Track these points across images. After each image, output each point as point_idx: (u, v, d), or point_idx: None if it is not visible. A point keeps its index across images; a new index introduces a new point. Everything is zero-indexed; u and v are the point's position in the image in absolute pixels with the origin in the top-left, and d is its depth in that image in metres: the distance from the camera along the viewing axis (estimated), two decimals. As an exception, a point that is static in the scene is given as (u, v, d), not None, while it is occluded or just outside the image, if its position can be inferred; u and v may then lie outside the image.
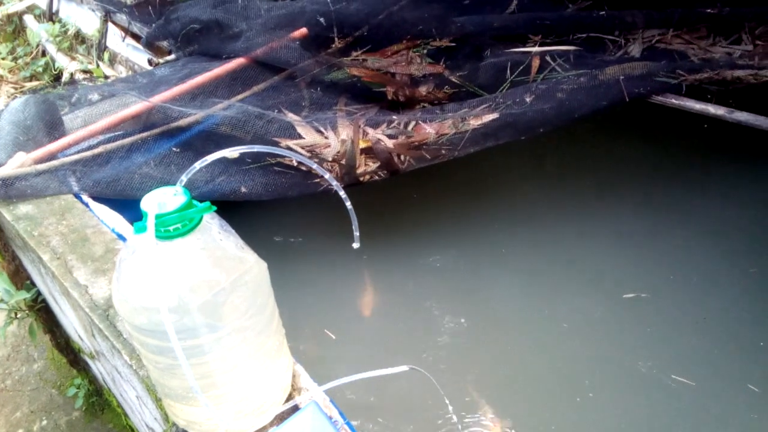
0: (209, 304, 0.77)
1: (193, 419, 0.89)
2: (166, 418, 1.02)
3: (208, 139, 1.75)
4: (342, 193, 0.85)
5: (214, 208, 0.76)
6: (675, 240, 2.01)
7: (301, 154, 1.73)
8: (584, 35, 2.22)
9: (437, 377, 1.14)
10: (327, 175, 0.83)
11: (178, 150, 1.80)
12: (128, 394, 1.33)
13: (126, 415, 1.74)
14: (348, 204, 0.86)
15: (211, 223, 0.80)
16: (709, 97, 1.89)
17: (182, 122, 1.77)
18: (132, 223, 0.76)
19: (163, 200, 0.74)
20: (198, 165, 0.74)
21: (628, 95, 1.76)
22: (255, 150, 0.78)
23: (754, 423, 1.52)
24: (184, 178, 0.75)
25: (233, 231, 0.83)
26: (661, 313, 1.77)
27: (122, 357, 1.08)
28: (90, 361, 1.75)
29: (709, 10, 2.12)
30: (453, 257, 1.99)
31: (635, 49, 2.21)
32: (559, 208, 2.14)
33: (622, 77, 1.79)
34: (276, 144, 1.87)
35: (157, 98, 1.74)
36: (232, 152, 0.76)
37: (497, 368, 1.69)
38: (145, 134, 1.73)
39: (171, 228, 0.73)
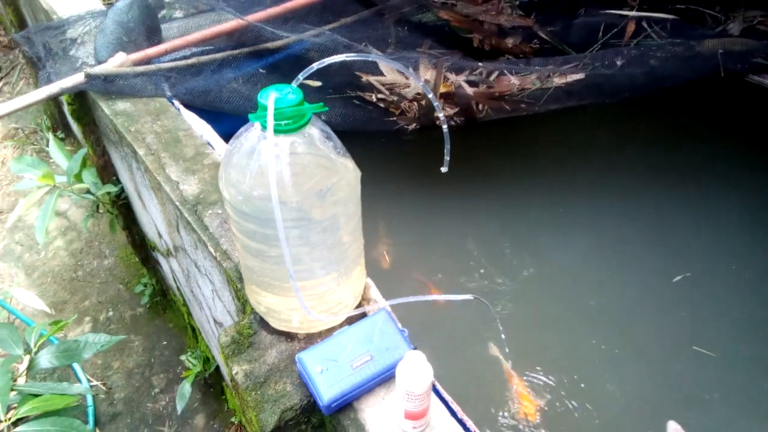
0: (306, 201, 0.82)
1: (273, 307, 0.96)
2: (242, 309, 1.09)
3: (295, 63, 1.80)
4: (441, 115, 0.88)
5: (326, 108, 0.80)
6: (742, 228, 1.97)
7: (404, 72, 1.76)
8: (684, 6, 2.14)
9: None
10: (430, 94, 0.86)
11: (264, 71, 1.85)
12: (202, 289, 1.42)
13: (189, 314, 1.86)
14: (445, 127, 0.89)
15: (317, 128, 0.85)
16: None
17: (272, 44, 1.82)
18: (250, 117, 0.81)
19: (279, 96, 0.78)
20: (316, 66, 0.78)
21: (724, 70, 1.71)
22: (370, 59, 0.81)
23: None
24: (300, 77, 0.79)
25: (336, 138, 0.87)
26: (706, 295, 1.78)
27: (207, 250, 1.16)
28: (163, 259, 1.86)
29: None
30: (518, 209, 2.01)
31: (735, 27, 2.12)
32: (634, 179, 2.11)
33: (720, 51, 1.73)
34: (358, 78, 1.91)
35: (252, 17, 1.79)
36: (349, 57, 0.80)
37: (543, 316, 1.75)
38: (236, 51, 1.78)
39: (283, 123, 0.78)
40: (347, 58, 0.81)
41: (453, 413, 0.92)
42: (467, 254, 1.90)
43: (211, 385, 1.92)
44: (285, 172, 0.80)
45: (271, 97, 0.76)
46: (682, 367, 1.62)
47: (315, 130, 0.85)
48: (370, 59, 0.83)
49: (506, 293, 1.76)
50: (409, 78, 1.90)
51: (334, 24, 1.94)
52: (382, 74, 1.93)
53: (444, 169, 0.95)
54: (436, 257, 1.91)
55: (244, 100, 1.70)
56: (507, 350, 1.54)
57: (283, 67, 1.80)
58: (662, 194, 2.03)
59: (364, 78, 1.91)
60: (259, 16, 1.83)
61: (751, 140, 2.23)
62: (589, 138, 2.22)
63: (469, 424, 0.91)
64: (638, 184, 2.06)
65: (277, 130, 0.79)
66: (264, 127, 0.79)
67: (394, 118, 1.85)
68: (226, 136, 1.18)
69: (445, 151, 0.93)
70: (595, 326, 1.70)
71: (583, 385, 1.57)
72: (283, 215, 0.82)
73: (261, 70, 1.85)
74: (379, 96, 1.88)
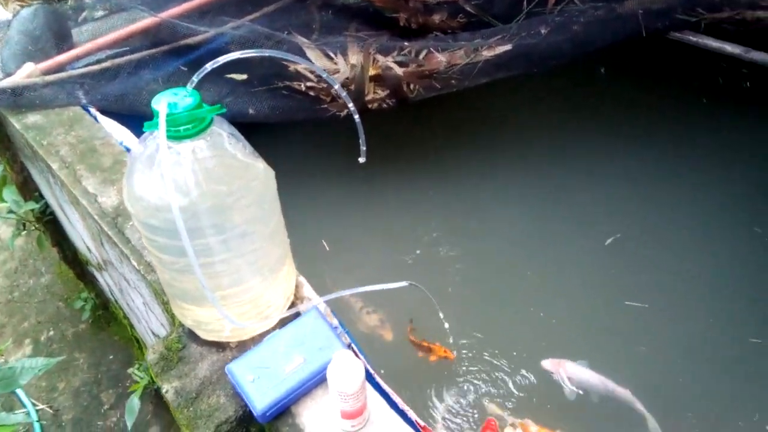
0: (217, 207, 0.78)
1: (200, 319, 0.92)
2: (172, 321, 1.05)
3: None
4: (351, 105, 0.85)
5: (224, 110, 0.77)
6: (677, 184, 2.02)
7: (311, 63, 1.72)
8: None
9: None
10: (336, 86, 0.83)
11: (186, 69, 1.78)
12: (135, 302, 1.37)
13: (132, 326, 1.80)
14: (356, 117, 0.87)
15: (222, 129, 0.81)
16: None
17: (191, 40, 1.74)
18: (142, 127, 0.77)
19: (173, 100, 0.74)
20: (209, 66, 0.74)
21: (645, 30, 1.73)
22: (267, 54, 0.78)
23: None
24: (194, 80, 0.75)
25: (243, 138, 0.84)
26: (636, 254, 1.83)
27: (131, 263, 1.11)
28: (97, 273, 1.79)
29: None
30: (451, 187, 2.03)
31: (657, -14, 2.15)
32: (559, 147, 2.15)
33: (640, 11, 1.75)
34: (285, 68, 1.85)
35: (167, 14, 1.71)
36: (244, 54, 0.76)
37: (482, 292, 1.78)
38: (153, 51, 1.71)
39: (182, 128, 0.74)
40: (242, 56, 0.77)
41: (394, 405, 0.91)
42: (405, 236, 1.90)
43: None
44: (189, 178, 0.76)
45: (162, 104, 0.72)
46: (616, 322, 1.67)
47: (221, 132, 0.81)
48: (266, 54, 0.79)
49: (445, 272, 1.77)
50: (336, 63, 1.86)
51: (254, 14, 1.88)
52: (309, 61, 1.88)
53: (361, 160, 0.92)
54: (374, 241, 1.91)
55: (165, 100, 1.64)
56: (447, 326, 1.54)
57: (205, 62, 1.73)
58: (591, 159, 2.07)
59: (292, 67, 1.86)
60: (174, 12, 1.75)
61: (674, 96, 2.29)
62: (519, 109, 2.24)
63: (411, 414, 0.90)
64: (567, 151, 2.11)
65: (176, 136, 0.75)
66: (161, 135, 0.74)
67: (326, 106, 1.81)
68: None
69: (361, 141, 0.90)
70: (532, 296, 1.74)
71: (524, 354, 1.60)
72: (196, 224, 0.79)
73: (183, 68, 1.78)
74: (308, 84, 1.83)
